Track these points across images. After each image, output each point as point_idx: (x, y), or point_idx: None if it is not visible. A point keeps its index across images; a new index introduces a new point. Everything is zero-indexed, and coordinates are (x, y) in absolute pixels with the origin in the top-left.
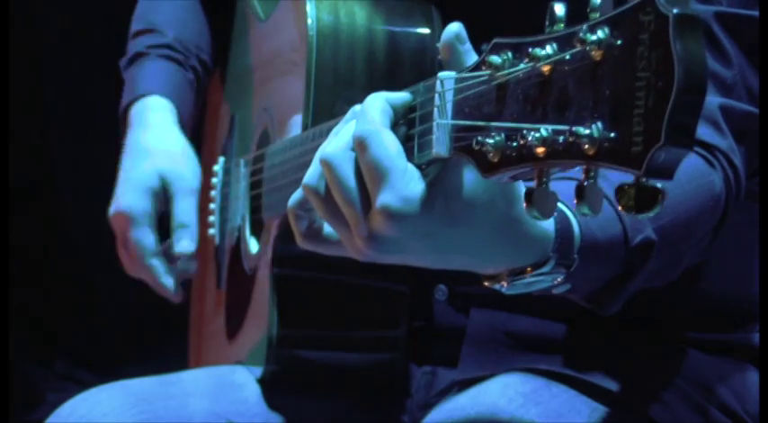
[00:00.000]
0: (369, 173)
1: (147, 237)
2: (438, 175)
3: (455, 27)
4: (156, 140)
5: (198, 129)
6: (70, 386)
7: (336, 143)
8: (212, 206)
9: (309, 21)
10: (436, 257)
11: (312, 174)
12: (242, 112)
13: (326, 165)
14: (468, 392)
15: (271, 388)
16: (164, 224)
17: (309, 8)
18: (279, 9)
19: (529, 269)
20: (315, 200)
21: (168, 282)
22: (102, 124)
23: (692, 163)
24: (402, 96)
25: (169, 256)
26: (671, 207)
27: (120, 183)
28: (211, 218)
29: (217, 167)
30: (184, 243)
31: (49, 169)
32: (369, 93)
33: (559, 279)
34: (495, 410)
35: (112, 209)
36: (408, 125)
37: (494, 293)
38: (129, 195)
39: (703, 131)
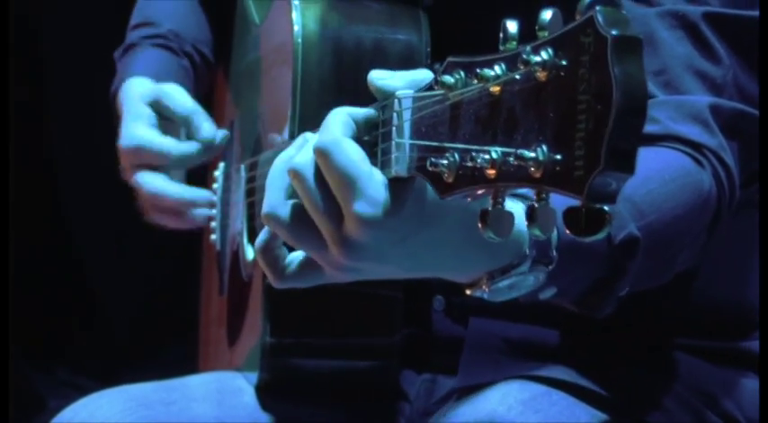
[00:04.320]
0: (335, 182)
1: (166, 146)
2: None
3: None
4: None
5: None
6: (72, 393)
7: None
8: (213, 212)
9: (296, 28)
10: (413, 263)
11: (268, 201)
12: (240, 118)
13: (295, 175)
14: (468, 400)
15: (266, 395)
16: None
17: (295, 15)
18: (271, 14)
19: (507, 269)
20: (278, 227)
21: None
22: (104, 124)
23: (677, 161)
24: (365, 111)
25: None
26: (656, 205)
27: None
28: (213, 224)
29: (217, 173)
30: (206, 126)
31: (50, 169)
32: (355, 100)
33: (541, 278)
34: (494, 418)
35: (120, 146)
36: (373, 142)
37: (491, 303)
38: (131, 130)
39: (692, 130)
